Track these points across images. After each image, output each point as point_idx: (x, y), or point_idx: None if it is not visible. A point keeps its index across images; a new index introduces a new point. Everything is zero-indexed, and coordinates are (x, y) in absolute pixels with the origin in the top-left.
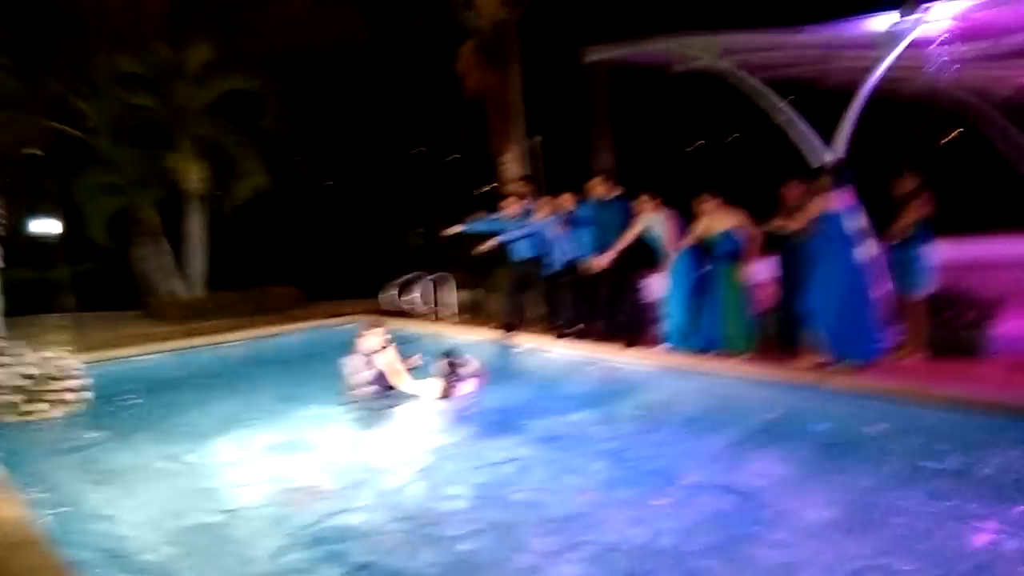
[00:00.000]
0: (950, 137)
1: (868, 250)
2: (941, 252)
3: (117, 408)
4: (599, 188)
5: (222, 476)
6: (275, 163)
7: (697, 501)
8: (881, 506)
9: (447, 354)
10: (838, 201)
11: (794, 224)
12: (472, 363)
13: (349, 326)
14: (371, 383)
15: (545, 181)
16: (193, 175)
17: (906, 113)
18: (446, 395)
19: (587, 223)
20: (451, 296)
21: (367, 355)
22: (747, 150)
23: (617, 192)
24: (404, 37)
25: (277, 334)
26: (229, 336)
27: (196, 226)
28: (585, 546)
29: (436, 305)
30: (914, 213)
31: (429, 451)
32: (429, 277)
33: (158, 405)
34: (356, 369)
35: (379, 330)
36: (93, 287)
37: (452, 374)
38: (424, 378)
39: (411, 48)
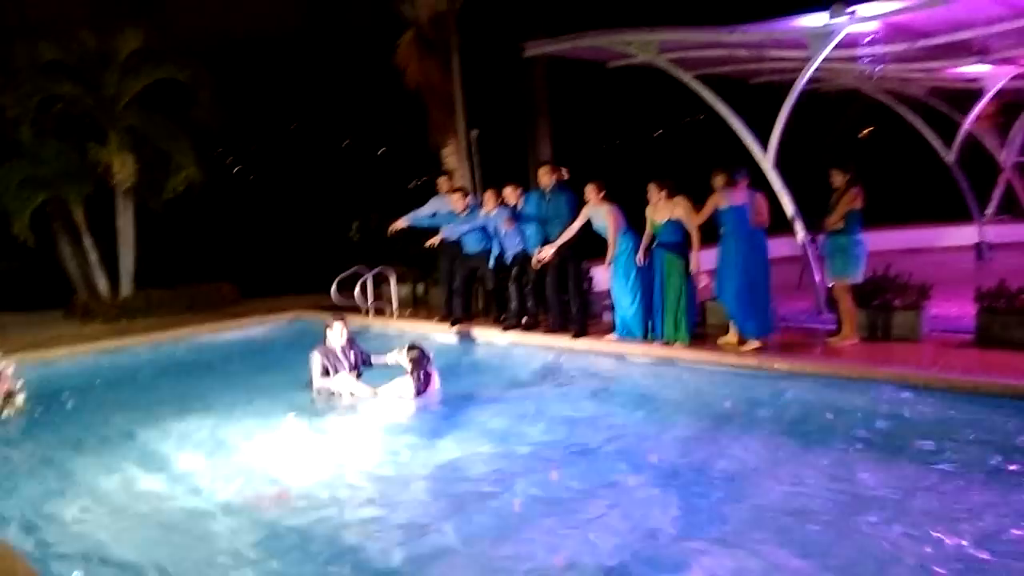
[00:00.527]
0: (867, 132)
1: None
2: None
3: (52, 412)
4: (545, 178)
5: (177, 480)
6: (208, 155)
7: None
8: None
9: (412, 347)
10: (735, 196)
11: (697, 218)
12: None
13: (287, 323)
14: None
15: (484, 174)
16: (122, 168)
17: (827, 108)
18: (420, 391)
19: (533, 216)
20: (393, 290)
21: (336, 348)
22: (684, 141)
23: (564, 176)
24: (341, 26)
25: (214, 332)
26: (162, 335)
27: (125, 221)
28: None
29: (378, 300)
30: (847, 204)
31: (389, 450)
32: (371, 272)
33: (94, 408)
34: (322, 364)
35: (340, 326)
36: (15, 286)
37: (421, 368)
38: (392, 378)
39: (348, 38)
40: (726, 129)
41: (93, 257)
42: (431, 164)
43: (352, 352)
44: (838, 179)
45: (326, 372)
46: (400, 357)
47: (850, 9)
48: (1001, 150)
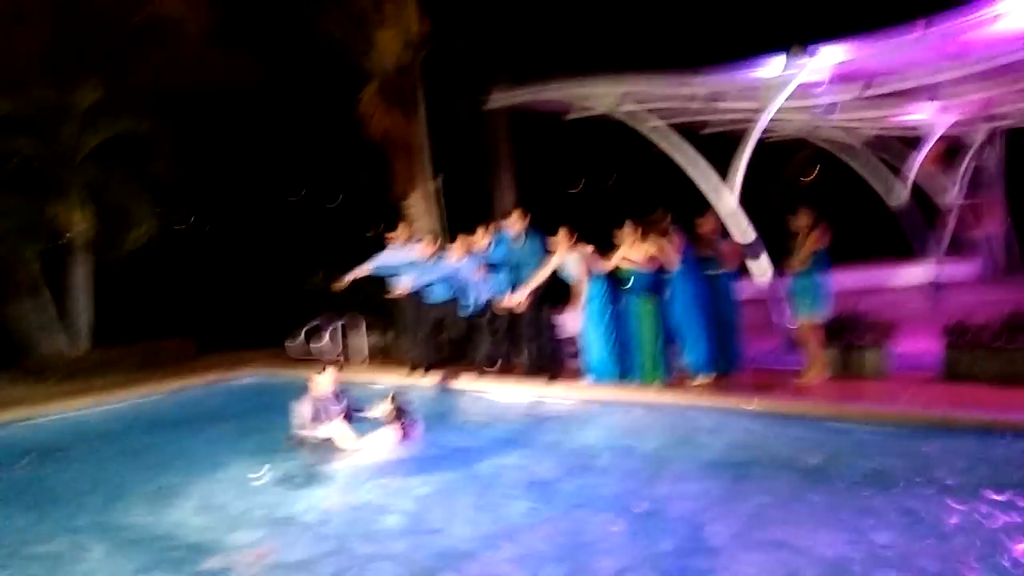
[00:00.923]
0: (810, 178)
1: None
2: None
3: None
4: (516, 223)
5: (144, 545)
6: (165, 209)
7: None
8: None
9: (394, 397)
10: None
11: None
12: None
13: (250, 379)
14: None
15: (447, 222)
16: (79, 223)
17: (773, 157)
18: (403, 440)
19: (504, 261)
20: (360, 340)
21: (320, 400)
22: (645, 188)
23: (527, 224)
24: (301, 80)
25: (175, 390)
26: (120, 394)
27: (81, 277)
28: None
29: (345, 350)
30: (812, 244)
31: (369, 505)
32: (337, 322)
33: (48, 474)
34: (306, 416)
35: (331, 371)
36: None
37: (402, 416)
38: (372, 429)
39: (308, 91)
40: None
41: (49, 314)
42: (390, 214)
43: (341, 400)
44: (804, 219)
45: (315, 419)
46: (382, 408)
47: (803, 58)
48: (944, 193)
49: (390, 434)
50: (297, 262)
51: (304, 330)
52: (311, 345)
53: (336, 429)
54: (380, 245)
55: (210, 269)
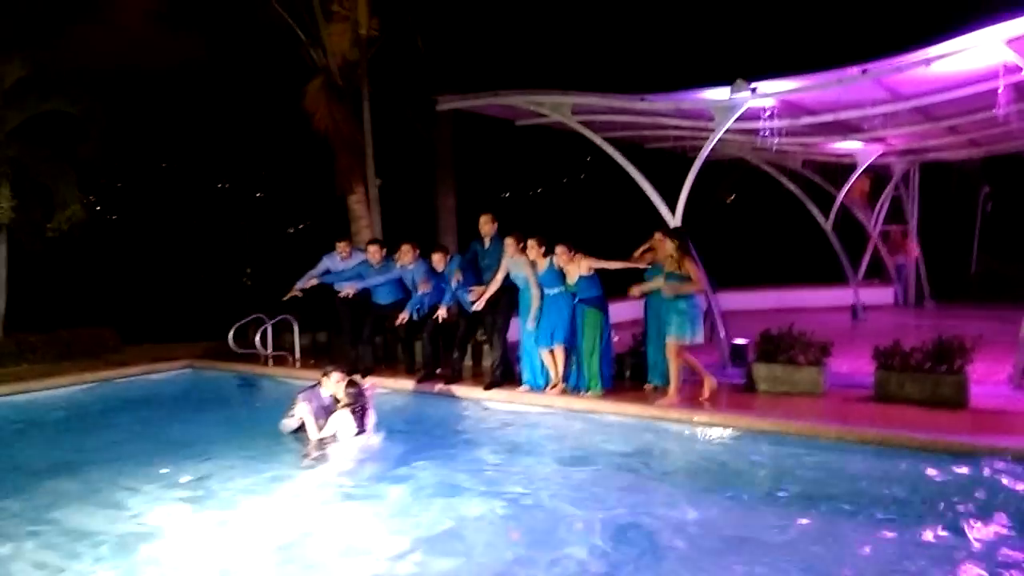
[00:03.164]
0: (731, 197)
1: None
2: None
3: None
4: (486, 226)
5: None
6: (91, 193)
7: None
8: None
9: (351, 382)
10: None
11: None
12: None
13: (177, 372)
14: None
15: (387, 223)
16: None
17: (710, 175)
18: (361, 427)
19: (471, 265)
20: (294, 339)
21: (326, 398)
22: (588, 197)
23: (494, 233)
24: (245, 67)
25: (95, 382)
26: (35, 384)
27: None
28: None
29: (279, 349)
30: (689, 269)
31: (317, 517)
32: (271, 320)
33: None
34: (316, 418)
35: (339, 376)
36: None
37: (359, 403)
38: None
39: (252, 79)
40: (620, 189)
41: None
42: (328, 210)
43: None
44: (670, 244)
45: (318, 418)
46: (339, 392)
47: (752, 85)
48: (868, 220)
49: (347, 417)
50: (228, 254)
51: (234, 327)
52: (240, 342)
53: (335, 423)
54: (309, 241)
55: (135, 257)
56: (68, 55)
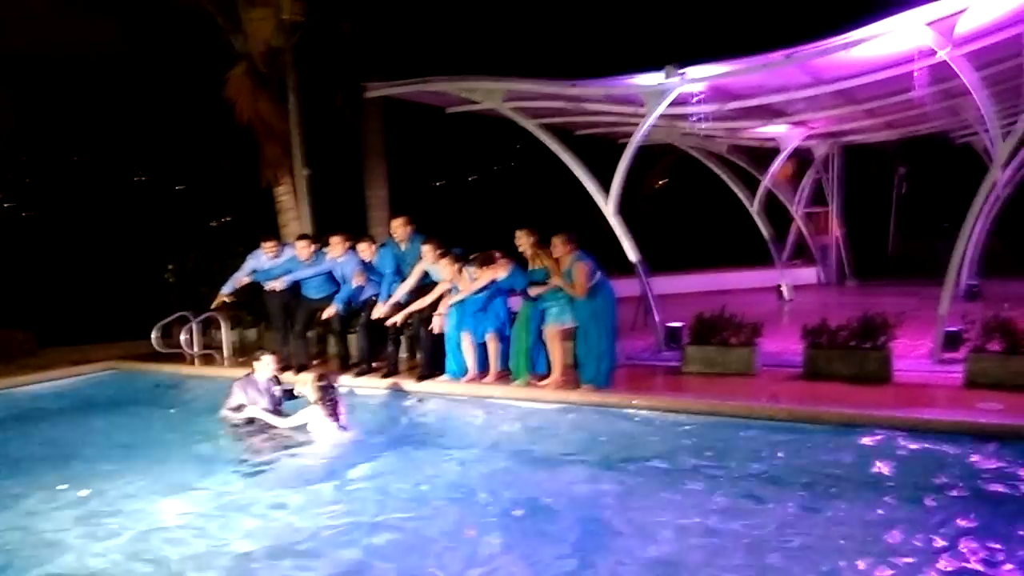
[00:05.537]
0: (663, 183)
1: None
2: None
3: None
4: (400, 230)
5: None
6: (2, 187)
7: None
8: None
9: (320, 376)
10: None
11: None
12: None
13: (98, 375)
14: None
15: (317, 213)
16: None
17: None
18: (333, 418)
19: (391, 267)
20: (224, 336)
21: (260, 382)
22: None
23: (410, 235)
24: (163, 54)
25: (6, 388)
26: None
27: None
28: None
29: (208, 347)
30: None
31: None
32: (197, 318)
33: None
34: (243, 399)
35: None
36: None
37: (328, 396)
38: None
39: (171, 66)
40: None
41: None
42: (252, 202)
43: (276, 387)
44: (526, 239)
45: (241, 406)
46: (307, 388)
47: (682, 71)
48: (792, 202)
49: (315, 414)
50: (149, 250)
51: (160, 325)
52: (166, 340)
53: (258, 412)
54: (234, 234)
55: (49, 256)
56: None
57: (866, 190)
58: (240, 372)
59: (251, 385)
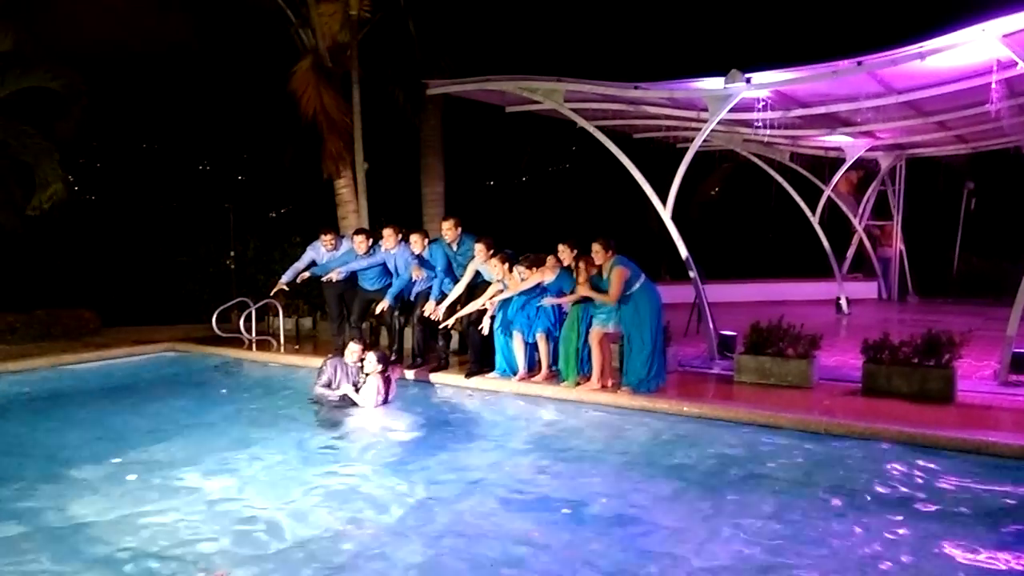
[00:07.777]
0: (716, 191)
1: None
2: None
3: None
4: (450, 232)
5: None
6: (71, 171)
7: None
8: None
9: (383, 356)
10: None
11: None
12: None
13: (158, 355)
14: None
15: (373, 208)
16: None
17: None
18: (385, 395)
19: (442, 267)
20: (280, 324)
21: (348, 364)
22: (573, 187)
23: (459, 237)
24: (232, 46)
25: (74, 364)
26: (13, 365)
27: None
28: None
29: (265, 334)
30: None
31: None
32: (255, 305)
33: None
34: (335, 378)
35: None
36: None
37: (385, 370)
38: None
39: (240, 58)
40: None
41: None
42: (313, 194)
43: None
44: (566, 253)
45: (330, 383)
46: (371, 360)
47: (747, 76)
48: (855, 214)
49: (376, 383)
50: (210, 237)
51: (220, 310)
52: (223, 326)
53: (347, 388)
54: (293, 224)
55: (116, 239)
56: (53, 31)
57: (931, 205)
58: (293, 359)
59: (341, 365)
